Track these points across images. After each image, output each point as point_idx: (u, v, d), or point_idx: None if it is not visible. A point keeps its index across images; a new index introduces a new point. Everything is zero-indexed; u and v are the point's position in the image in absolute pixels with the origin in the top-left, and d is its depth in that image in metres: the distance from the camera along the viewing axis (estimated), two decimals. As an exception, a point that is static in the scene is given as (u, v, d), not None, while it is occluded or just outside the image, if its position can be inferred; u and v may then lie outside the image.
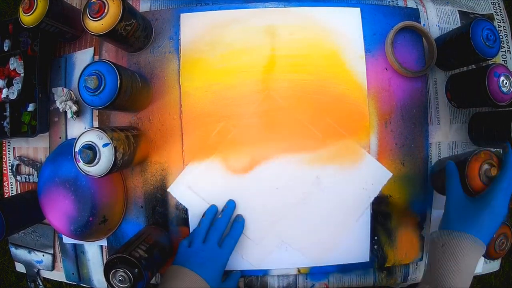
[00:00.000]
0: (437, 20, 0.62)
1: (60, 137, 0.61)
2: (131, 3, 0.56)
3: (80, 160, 0.46)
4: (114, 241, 0.59)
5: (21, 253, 0.66)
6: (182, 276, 0.50)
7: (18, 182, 0.65)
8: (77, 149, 0.47)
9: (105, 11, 0.48)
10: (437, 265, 0.43)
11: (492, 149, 0.50)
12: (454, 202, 0.47)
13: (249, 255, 0.57)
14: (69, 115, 0.60)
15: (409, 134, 0.59)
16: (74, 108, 0.59)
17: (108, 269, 0.48)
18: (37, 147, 0.64)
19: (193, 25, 0.58)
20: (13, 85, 0.60)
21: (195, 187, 0.57)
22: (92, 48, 0.61)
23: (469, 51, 0.52)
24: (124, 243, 0.52)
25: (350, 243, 0.58)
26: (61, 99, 0.59)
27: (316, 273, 0.59)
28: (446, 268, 0.42)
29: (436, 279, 0.43)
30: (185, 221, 0.57)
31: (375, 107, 0.58)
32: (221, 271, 0.53)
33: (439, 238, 0.45)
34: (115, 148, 0.46)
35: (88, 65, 0.47)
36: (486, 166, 0.47)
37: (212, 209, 0.56)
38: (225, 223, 0.55)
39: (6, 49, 0.61)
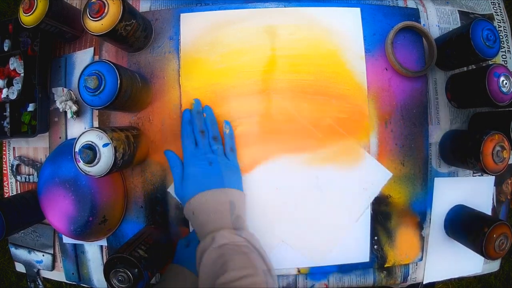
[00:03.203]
0: (437, 20, 0.62)
1: (60, 137, 0.61)
2: (131, 3, 0.56)
3: (80, 160, 0.46)
4: (114, 241, 0.59)
5: (21, 253, 0.66)
6: (180, 274, 0.50)
7: (18, 182, 0.65)
8: (77, 149, 0.47)
9: (105, 11, 0.48)
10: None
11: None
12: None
13: (249, 255, 0.57)
14: (69, 115, 0.60)
15: (409, 134, 0.59)
16: (74, 108, 0.59)
17: (108, 269, 0.48)
18: (37, 147, 0.64)
19: (193, 25, 0.58)
20: (13, 85, 0.60)
21: (195, 187, 0.57)
22: (92, 48, 0.61)
23: (469, 51, 0.52)
24: (124, 243, 0.52)
25: (350, 243, 0.58)
26: (61, 99, 0.59)
27: (316, 273, 0.59)
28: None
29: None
30: (185, 221, 0.57)
31: (375, 107, 0.58)
32: None
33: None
34: (115, 148, 0.46)
35: (88, 65, 0.47)
36: (498, 148, 0.51)
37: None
38: None
39: (6, 49, 0.61)
